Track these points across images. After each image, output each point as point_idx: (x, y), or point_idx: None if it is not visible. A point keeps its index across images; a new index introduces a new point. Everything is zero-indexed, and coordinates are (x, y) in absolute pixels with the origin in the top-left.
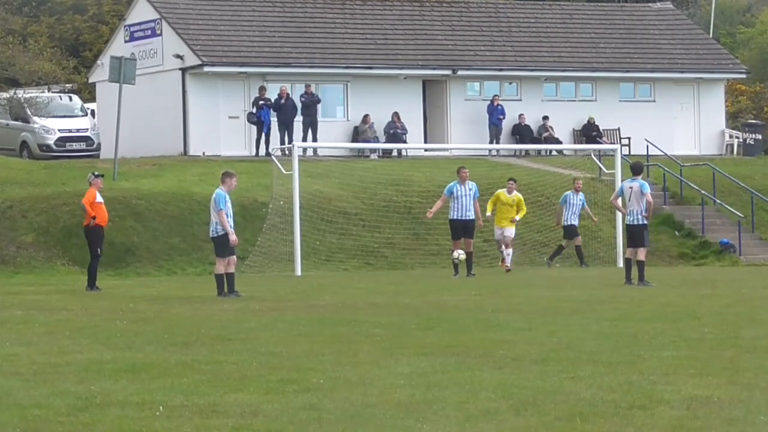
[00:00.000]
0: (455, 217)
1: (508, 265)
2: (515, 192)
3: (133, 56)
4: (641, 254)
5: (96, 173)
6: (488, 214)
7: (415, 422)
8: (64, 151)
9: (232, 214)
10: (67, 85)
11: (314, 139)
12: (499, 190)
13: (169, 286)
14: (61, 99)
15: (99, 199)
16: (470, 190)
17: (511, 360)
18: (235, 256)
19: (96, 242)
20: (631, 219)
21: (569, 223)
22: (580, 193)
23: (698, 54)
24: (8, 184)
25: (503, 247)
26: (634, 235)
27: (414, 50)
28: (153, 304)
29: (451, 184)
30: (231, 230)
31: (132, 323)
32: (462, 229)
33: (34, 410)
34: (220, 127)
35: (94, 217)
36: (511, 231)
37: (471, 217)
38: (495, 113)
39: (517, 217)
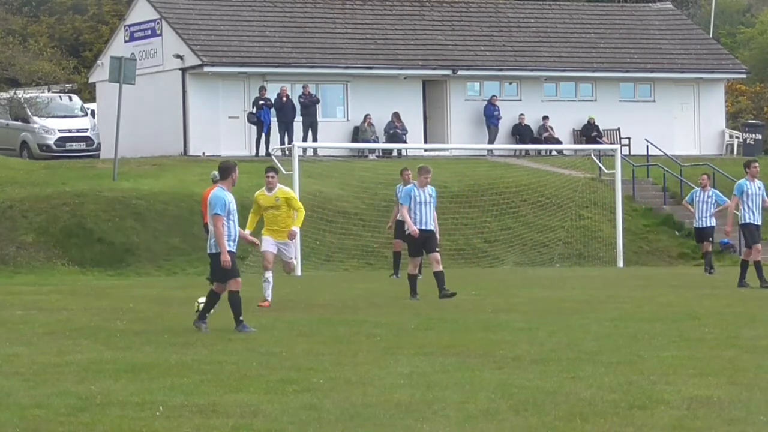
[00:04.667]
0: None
1: (269, 299)
2: (279, 186)
3: (133, 56)
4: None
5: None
6: (246, 232)
7: (415, 422)
8: (64, 151)
9: (422, 210)
10: (67, 85)
11: (314, 139)
12: (258, 191)
13: (169, 286)
14: (61, 99)
15: None
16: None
17: (511, 360)
18: (419, 258)
19: None
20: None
21: (704, 225)
22: (710, 188)
23: (698, 54)
24: (8, 184)
25: (267, 269)
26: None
27: (414, 50)
28: (153, 304)
29: (408, 187)
30: (411, 224)
31: (132, 323)
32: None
33: (34, 410)
34: (220, 127)
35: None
36: (289, 245)
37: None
38: (492, 112)
39: (295, 228)
